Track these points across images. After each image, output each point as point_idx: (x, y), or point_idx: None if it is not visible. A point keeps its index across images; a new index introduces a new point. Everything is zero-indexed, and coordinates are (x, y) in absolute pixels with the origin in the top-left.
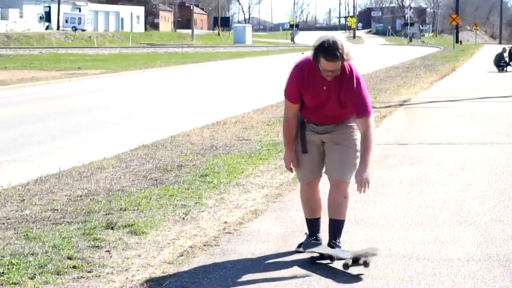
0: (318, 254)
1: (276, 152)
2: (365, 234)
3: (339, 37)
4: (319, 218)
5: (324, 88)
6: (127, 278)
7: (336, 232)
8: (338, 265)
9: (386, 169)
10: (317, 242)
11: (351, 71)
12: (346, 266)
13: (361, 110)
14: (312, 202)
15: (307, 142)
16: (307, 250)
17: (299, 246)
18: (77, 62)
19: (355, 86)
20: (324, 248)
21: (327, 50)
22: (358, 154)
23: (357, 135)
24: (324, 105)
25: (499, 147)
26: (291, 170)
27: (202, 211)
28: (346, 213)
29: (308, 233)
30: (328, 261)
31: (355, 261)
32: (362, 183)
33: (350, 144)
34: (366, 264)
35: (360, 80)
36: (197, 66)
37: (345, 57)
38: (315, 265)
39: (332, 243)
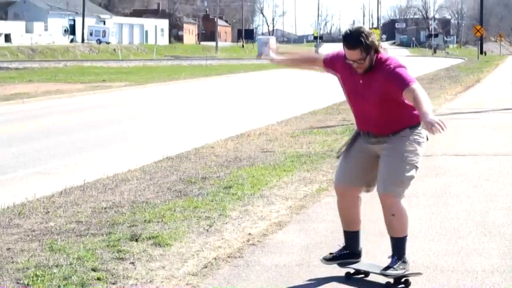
0: (353, 270)
1: (300, 164)
2: (389, 245)
3: (365, 27)
4: (354, 232)
5: (361, 81)
6: None
7: (393, 249)
8: (359, 276)
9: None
10: (347, 254)
11: (385, 62)
12: (389, 284)
13: (401, 82)
14: (345, 214)
15: (353, 147)
16: (326, 263)
17: (330, 257)
18: (101, 75)
19: (389, 70)
20: (349, 262)
21: (349, 37)
22: (409, 167)
23: (409, 147)
24: (364, 104)
25: None
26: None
27: (226, 223)
28: (405, 229)
29: (343, 244)
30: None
31: (397, 279)
32: (429, 128)
33: (397, 155)
34: (407, 284)
35: (395, 64)
36: (222, 78)
37: (369, 43)
38: (340, 277)
39: (390, 261)
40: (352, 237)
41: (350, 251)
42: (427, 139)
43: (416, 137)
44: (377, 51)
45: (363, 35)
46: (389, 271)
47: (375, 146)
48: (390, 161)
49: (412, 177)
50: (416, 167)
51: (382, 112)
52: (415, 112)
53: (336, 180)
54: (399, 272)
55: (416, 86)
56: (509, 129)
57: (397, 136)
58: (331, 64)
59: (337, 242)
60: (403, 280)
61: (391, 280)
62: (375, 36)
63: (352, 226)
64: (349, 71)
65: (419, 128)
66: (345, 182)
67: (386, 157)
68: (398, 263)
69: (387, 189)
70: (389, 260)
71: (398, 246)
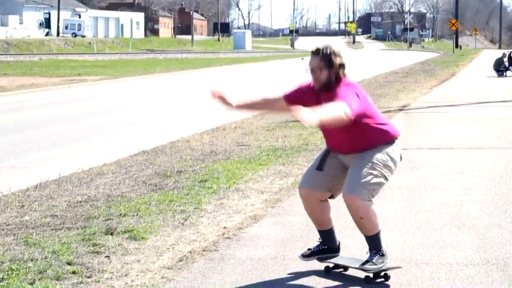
0: (332, 264)
1: (275, 158)
2: (363, 238)
3: (338, 45)
4: (327, 230)
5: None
6: (126, 283)
7: (369, 245)
8: (338, 270)
9: None
10: (325, 249)
11: (343, 87)
12: (368, 278)
13: (336, 100)
14: (312, 216)
15: (326, 162)
16: (305, 259)
17: (308, 253)
18: (76, 68)
19: (336, 91)
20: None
21: (316, 47)
22: (377, 173)
23: (379, 156)
24: (330, 129)
25: (498, 151)
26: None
27: (201, 217)
28: (376, 227)
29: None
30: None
31: (377, 274)
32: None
33: (366, 161)
34: (386, 277)
35: (344, 85)
36: (197, 72)
37: (332, 58)
38: (319, 271)
39: (368, 255)
40: (326, 235)
41: (327, 246)
42: (401, 159)
43: (388, 149)
44: (338, 74)
45: (330, 49)
46: (368, 266)
47: (345, 159)
48: (357, 165)
49: (379, 184)
50: (385, 177)
51: (347, 135)
52: (386, 130)
53: (300, 183)
54: (378, 266)
55: (340, 104)
56: (483, 122)
57: (368, 150)
58: (296, 99)
59: (312, 236)
60: (382, 274)
61: (371, 275)
62: (342, 58)
63: (322, 226)
64: (315, 99)
65: (393, 145)
66: (307, 186)
67: (354, 163)
68: (377, 257)
69: (352, 191)
70: (368, 255)
71: (373, 242)
